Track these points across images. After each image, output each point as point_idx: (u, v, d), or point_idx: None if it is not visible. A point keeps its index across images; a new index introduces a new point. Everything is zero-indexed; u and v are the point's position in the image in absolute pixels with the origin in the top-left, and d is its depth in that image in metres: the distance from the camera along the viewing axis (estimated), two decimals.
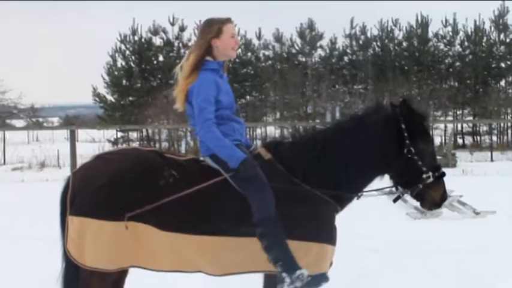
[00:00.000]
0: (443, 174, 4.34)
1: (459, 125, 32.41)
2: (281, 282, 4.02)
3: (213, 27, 4.33)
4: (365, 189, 4.44)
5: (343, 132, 4.32)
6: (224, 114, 4.31)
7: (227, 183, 4.15)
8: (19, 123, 47.36)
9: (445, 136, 29.65)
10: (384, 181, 4.49)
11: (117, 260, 4.04)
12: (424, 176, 4.24)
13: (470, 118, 32.64)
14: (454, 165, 18.74)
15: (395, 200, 4.59)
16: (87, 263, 4.03)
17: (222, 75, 4.43)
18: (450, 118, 31.96)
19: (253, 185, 4.06)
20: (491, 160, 22.62)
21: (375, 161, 4.28)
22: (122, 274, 4.29)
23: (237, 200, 4.08)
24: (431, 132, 4.52)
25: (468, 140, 32.33)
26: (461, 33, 33.32)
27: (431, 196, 4.33)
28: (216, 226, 4.05)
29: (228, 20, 4.40)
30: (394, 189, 4.50)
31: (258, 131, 33.33)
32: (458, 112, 33.53)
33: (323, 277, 4.09)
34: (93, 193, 4.02)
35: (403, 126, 4.23)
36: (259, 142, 27.23)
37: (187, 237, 4.05)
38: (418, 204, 4.60)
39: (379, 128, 4.27)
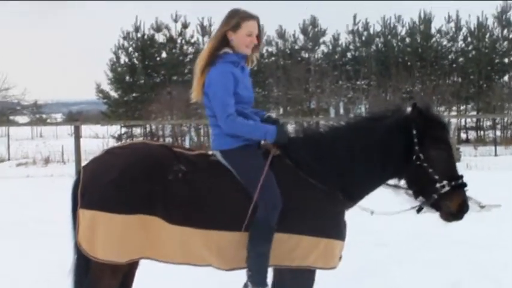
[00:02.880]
0: (463, 184, 4.15)
1: (463, 120, 32.35)
2: (245, 286, 4.13)
3: (232, 20, 4.28)
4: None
5: (355, 132, 4.28)
6: (240, 110, 4.28)
7: (235, 178, 4.18)
8: (23, 119, 47.44)
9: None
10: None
11: (128, 252, 4.07)
12: (438, 185, 4.10)
13: (474, 113, 32.60)
14: (458, 160, 18.73)
15: (418, 211, 4.37)
16: (98, 255, 4.05)
17: (243, 68, 4.40)
18: (454, 113, 31.90)
19: (265, 191, 4.06)
20: (495, 155, 22.62)
21: (383, 165, 4.21)
22: (132, 266, 4.33)
23: (245, 196, 4.09)
24: (449, 140, 4.31)
25: (472, 134, 32.33)
26: (464, 29, 33.34)
27: (448, 206, 4.15)
28: (223, 221, 4.07)
29: (250, 17, 4.31)
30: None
31: None
32: (461, 107, 33.50)
33: None
34: (104, 187, 4.04)
35: (414, 132, 4.15)
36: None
37: (195, 231, 4.07)
38: None
39: (389, 131, 4.19)
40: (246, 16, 4.29)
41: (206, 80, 4.25)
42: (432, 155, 4.14)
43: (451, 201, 4.14)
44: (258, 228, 4.01)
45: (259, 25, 4.38)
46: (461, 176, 4.19)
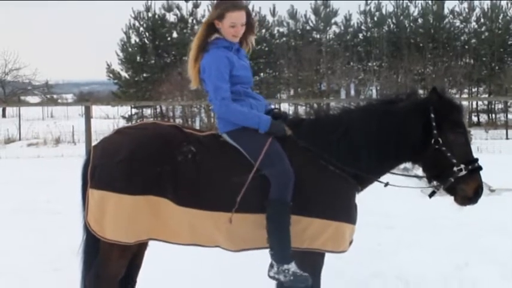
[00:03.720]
0: (479, 167, 4.16)
1: (474, 103, 32.18)
2: (270, 267, 4.11)
3: (217, 10, 4.28)
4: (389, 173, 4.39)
5: (369, 115, 4.25)
6: (241, 90, 4.30)
7: (245, 159, 4.17)
8: (34, 99, 47.63)
9: None
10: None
11: (136, 232, 4.09)
12: (455, 168, 4.09)
13: (486, 96, 32.39)
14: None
15: (430, 196, 4.40)
16: (107, 235, 4.08)
17: (238, 50, 4.39)
18: (465, 96, 31.69)
19: (275, 165, 4.06)
20: (507, 138, 22.56)
21: (398, 148, 4.19)
22: (141, 246, 4.37)
23: (255, 177, 4.07)
24: (465, 123, 4.30)
25: (483, 117, 32.14)
26: (477, 10, 33.09)
27: (464, 190, 4.15)
28: (232, 202, 4.05)
29: (234, 8, 4.26)
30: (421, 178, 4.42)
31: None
32: (473, 89, 33.32)
33: (304, 281, 4.07)
34: (113, 167, 4.06)
35: (432, 115, 4.13)
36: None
37: (204, 213, 4.07)
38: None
39: (406, 115, 4.16)
40: (230, 7, 4.25)
41: (201, 67, 4.29)
42: (451, 139, 4.13)
43: (467, 185, 4.15)
44: (274, 206, 4.01)
45: (248, 13, 4.36)
46: (477, 160, 4.20)
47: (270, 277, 4.12)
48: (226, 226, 4.09)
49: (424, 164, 4.30)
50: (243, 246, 4.22)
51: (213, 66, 4.19)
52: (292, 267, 4.04)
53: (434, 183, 4.29)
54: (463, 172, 4.09)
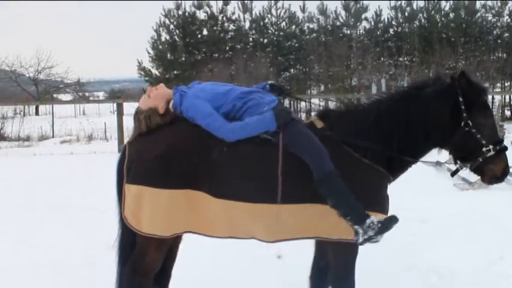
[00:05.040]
0: (506, 147, 4.22)
1: (507, 97, 31.78)
2: (356, 235, 4.01)
3: (140, 118, 4.39)
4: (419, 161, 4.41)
5: (398, 103, 4.27)
6: (237, 105, 4.29)
7: (279, 149, 4.15)
8: (66, 97, 48.17)
9: (492, 108, 28.91)
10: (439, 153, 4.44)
11: (173, 226, 4.13)
12: (484, 149, 4.15)
13: None
14: (502, 137, 18.35)
15: (453, 174, 4.48)
16: (143, 229, 4.12)
17: (189, 89, 4.49)
18: (498, 90, 31.32)
19: (306, 146, 4.06)
20: None
21: (429, 133, 4.22)
22: (176, 239, 4.40)
23: (291, 167, 4.07)
24: (490, 106, 4.35)
25: None
26: (510, 4, 32.59)
27: (492, 170, 4.22)
28: (268, 194, 4.07)
29: (139, 109, 4.45)
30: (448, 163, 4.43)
31: (302, 104, 33.27)
32: (506, 84, 32.91)
33: (393, 219, 4.04)
34: (150, 162, 4.10)
35: (460, 99, 4.15)
36: (303, 115, 27.21)
37: (241, 205, 4.09)
38: (465, 175, 4.53)
39: (435, 99, 4.18)
40: (138, 109, 4.45)
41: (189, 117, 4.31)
42: (480, 121, 4.18)
43: (495, 165, 4.21)
44: (322, 180, 3.98)
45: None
46: (503, 140, 4.28)
47: (361, 244, 4.03)
48: (262, 218, 4.11)
49: (452, 147, 4.32)
50: (280, 237, 4.22)
51: (198, 111, 4.24)
52: (374, 218, 3.99)
53: (460, 163, 4.34)
54: (492, 152, 4.16)
